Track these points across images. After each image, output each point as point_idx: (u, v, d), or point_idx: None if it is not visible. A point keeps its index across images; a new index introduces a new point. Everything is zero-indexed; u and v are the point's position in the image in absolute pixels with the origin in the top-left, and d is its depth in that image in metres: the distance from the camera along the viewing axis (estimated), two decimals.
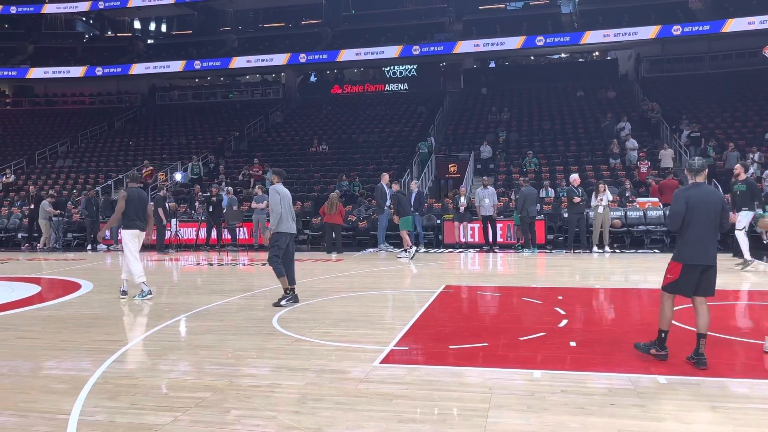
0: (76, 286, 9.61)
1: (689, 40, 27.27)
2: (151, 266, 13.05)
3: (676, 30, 26.30)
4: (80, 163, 26.46)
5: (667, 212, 4.21)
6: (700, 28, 26.43)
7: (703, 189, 4.84)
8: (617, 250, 14.11)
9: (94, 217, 17.26)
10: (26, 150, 28.39)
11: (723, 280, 9.14)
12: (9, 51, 36.23)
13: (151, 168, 22.82)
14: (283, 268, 7.45)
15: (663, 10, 28.58)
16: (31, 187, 22.10)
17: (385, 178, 15.35)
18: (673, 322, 5.00)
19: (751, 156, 17.44)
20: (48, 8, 35.60)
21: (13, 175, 24.95)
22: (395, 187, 14.30)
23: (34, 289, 9.56)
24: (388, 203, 15.03)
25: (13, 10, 35.25)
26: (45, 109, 34.61)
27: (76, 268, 12.53)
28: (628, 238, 14.90)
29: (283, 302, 7.43)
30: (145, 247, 16.81)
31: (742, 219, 10.34)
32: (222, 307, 7.60)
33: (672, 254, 4.91)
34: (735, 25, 25.35)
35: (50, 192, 19.52)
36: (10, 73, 34.45)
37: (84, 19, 39.00)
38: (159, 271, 12.34)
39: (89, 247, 17.09)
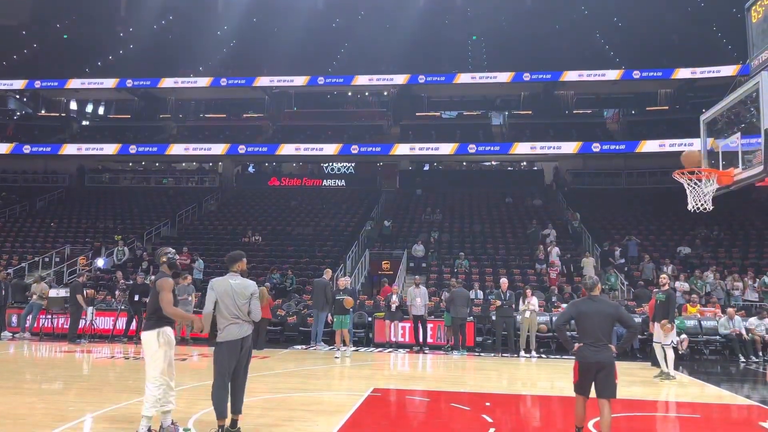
0: None
1: (607, 157, 29.56)
2: (61, 357, 12.14)
3: (596, 147, 28.41)
4: None
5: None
6: (617, 147, 28.71)
7: (595, 300, 5.70)
8: (543, 356, 14.31)
9: (2, 301, 16.10)
10: None
11: (643, 390, 9.38)
12: None
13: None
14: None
15: (584, 129, 30.99)
16: None
17: (329, 273, 15.26)
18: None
19: (664, 268, 18.46)
20: None
21: None
22: (346, 282, 13.91)
23: None
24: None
25: None
26: None
27: None
28: (554, 344, 15.18)
29: None
30: (56, 337, 15.84)
31: (667, 334, 10.57)
32: (135, 407, 7.08)
33: None
34: (648, 146, 27.69)
35: None
36: None
37: (18, 96, 38.27)
38: (68, 364, 11.47)
39: None
